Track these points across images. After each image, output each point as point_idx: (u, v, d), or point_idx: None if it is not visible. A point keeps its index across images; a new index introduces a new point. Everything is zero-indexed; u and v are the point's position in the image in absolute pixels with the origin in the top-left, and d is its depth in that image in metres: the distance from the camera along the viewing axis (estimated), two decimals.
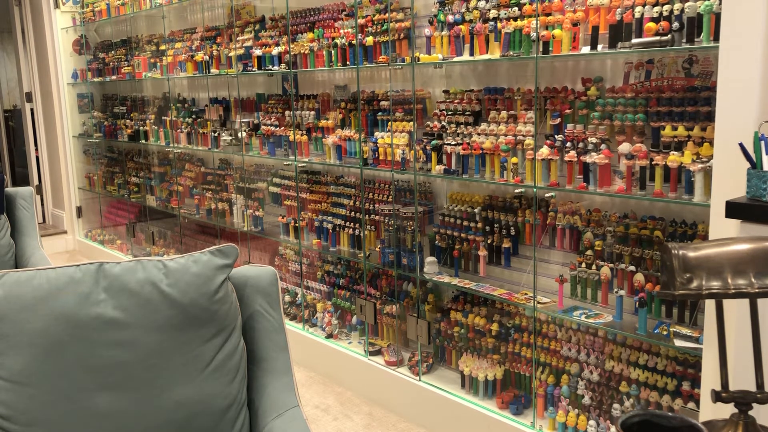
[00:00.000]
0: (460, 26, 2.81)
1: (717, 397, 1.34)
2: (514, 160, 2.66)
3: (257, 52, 3.84)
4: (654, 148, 2.32)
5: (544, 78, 2.74)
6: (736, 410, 1.35)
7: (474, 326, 3.00)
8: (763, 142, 1.79)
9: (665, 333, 2.31)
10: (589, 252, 2.56)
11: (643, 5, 2.27)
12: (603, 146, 2.41)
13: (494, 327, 2.93)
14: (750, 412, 1.34)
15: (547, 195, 2.70)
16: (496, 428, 2.78)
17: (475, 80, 3.04)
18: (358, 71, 3.37)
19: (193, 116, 4.70)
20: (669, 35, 2.18)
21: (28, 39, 6.56)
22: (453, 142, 2.89)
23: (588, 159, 2.42)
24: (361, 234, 3.46)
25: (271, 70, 3.78)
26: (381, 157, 3.21)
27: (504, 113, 2.77)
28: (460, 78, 3.11)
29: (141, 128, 5.28)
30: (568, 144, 2.51)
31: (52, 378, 1.47)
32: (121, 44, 5.57)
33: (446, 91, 3.06)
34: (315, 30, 3.55)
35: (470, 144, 2.82)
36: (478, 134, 2.82)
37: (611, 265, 2.48)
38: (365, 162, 3.30)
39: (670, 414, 1.19)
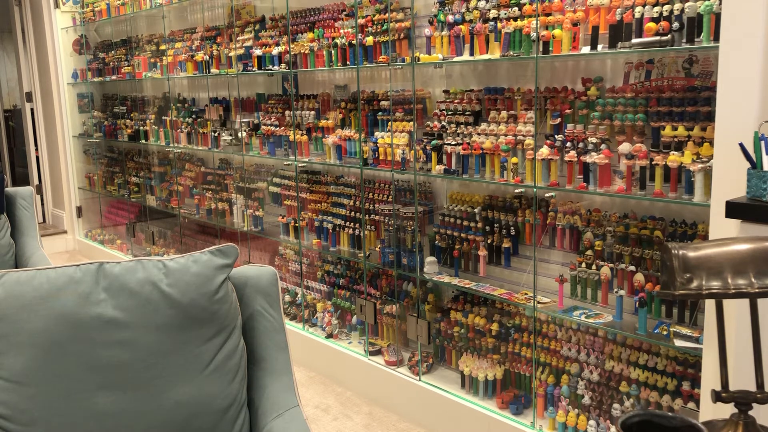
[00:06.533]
0: (460, 26, 2.81)
1: (717, 397, 1.34)
2: (514, 160, 2.66)
3: (257, 52, 3.84)
4: (654, 148, 2.32)
5: (544, 78, 2.74)
6: (736, 410, 1.35)
7: (474, 326, 3.00)
8: (763, 142, 1.79)
9: (665, 333, 2.31)
10: (589, 252, 2.56)
11: (643, 5, 2.27)
12: (603, 146, 2.41)
13: (494, 327, 2.93)
14: (750, 412, 1.34)
15: (547, 195, 2.70)
16: (496, 428, 2.78)
17: (475, 80, 3.04)
18: (358, 71, 3.37)
19: (193, 116, 4.70)
20: (669, 35, 2.18)
21: (28, 39, 6.57)
22: (453, 142, 2.89)
23: (588, 159, 2.42)
24: (361, 234, 3.46)
25: (271, 70, 3.78)
26: (381, 157, 3.21)
27: (504, 113, 2.77)
28: (460, 78, 3.11)
29: (141, 128, 5.28)
30: (568, 144, 2.51)
31: (52, 378, 1.47)
32: (121, 44, 5.57)
33: (446, 91, 3.06)
34: (315, 30, 3.55)
35: (470, 144, 2.82)
36: (478, 134, 2.82)
37: (611, 265, 2.48)
38: (365, 162, 3.29)
39: (670, 414, 1.19)
